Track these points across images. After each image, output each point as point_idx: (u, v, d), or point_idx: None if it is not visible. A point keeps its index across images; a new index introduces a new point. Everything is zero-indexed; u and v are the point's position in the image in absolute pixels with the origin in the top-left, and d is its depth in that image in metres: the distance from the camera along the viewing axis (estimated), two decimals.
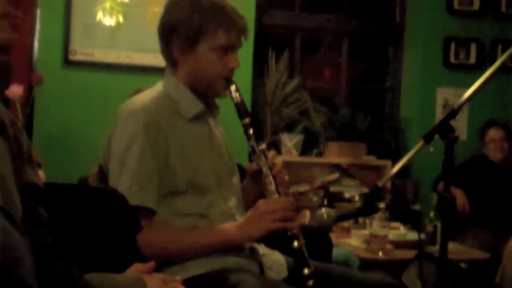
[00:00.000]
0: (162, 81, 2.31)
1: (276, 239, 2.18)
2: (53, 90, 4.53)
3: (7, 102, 4.14)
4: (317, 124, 5.19)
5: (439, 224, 3.68)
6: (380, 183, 2.12)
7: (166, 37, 2.23)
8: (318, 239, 2.82)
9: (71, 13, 4.59)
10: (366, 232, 3.87)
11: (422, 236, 3.79)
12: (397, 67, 5.72)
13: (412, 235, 3.89)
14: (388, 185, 4.67)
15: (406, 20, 5.67)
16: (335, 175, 4.89)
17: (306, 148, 5.18)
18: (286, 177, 2.27)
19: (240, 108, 2.22)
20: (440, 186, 4.44)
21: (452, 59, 5.45)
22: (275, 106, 5.05)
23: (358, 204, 3.38)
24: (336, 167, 5.00)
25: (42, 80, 4.37)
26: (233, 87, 2.23)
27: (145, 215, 2.05)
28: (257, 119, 4.98)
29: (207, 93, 2.26)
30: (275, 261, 2.29)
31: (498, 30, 5.51)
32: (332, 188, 4.73)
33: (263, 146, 2.22)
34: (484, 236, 4.60)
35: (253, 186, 2.36)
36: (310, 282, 2.08)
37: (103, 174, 2.20)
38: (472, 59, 5.47)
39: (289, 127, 5.17)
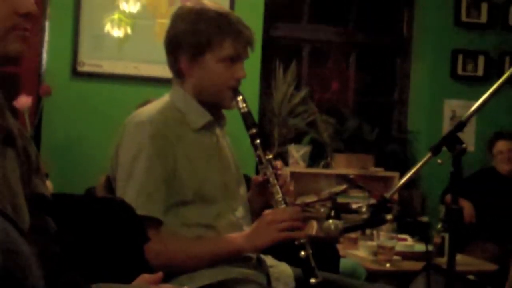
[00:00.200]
0: (169, 92, 2.31)
1: (283, 250, 2.17)
2: (61, 101, 4.55)
3: (15, 113, 4.16)
4: (324, 136, 5.19)
5: (447, 236, 3.67)
6: (387, 195, 2.12)
7: (172, 48, 2.24)
8: (325, 250, 2.82)
9: (79, 25, 4.61)
10: (373, 243, 3.85)
11: (430, 247, 3.77)
12: (404, 79, 5.72)
13: (420, 247, 3.88)
14: (396, 196, 4.66)
15: (414, 32, 5.68)
16: (342, 186, 4.88)
17: (313, 160, 5.17)
18: (291, 188, 2.27)
19: (247, 119, 2.23)
20: (448, 197, 4.42)
21: (459, 71, 5.45)
22: (283, 118, 5.05)
23: (365, 216, 3.37)
24: (344, 178, 4.99)
25: (50, 92, 4.39)
26: (240, 98, 2.23)
27: (152, 225, 2.06)
28: (265, 131, 4.98)
29: (214, 103, 2.27)
30: (283, 272, 2.28)
31: (506, 43, 5.50)
32: (340, 200, 4.71)
33: (270, 156, 2.22)
34: (492, 248, 4.58)
35: (259, 197, 2.36)
36: None
37: (110, 184, 2.20)
38: (480, 71, 5.47)
39: (297, 139, 5.18)
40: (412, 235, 4.11)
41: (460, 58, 5.44)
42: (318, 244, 2.53)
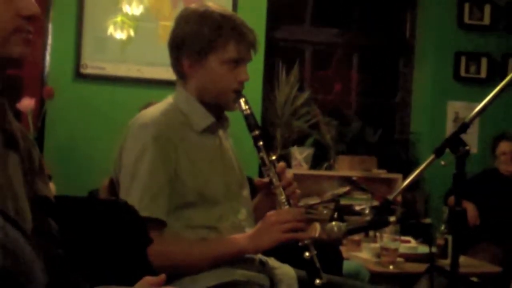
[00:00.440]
0: (172, 94, 2.31)
1: (286, 252, 2.17)
2: (64, 103, 4.56)
3: (18, 115, 4.17)
4: (327, 138, 5.19)
5: (450, 238, 3.66)
6: (390, 197, 2.12)
7: (176, 50, 2.25)
8: (329, 252, 2.82)
9: (82, 27, 4.62)
10: (376, 245, 3.85)
11: (433, 249, 3.77)
12: (407, 81, 5.72)
13: (423, 249, 3.87)
14: (399, 198, 4.66)
15: (417, 34, 5.68)
16: (345, 188, 4.89)
17: (316, 161, 5.17)
18: (298, 191, 2.27)
19: (249, 121, 2.23)
20: (451, 199, 4.42)
21: (462, 73, 5.45)
22: (285, 120, 5.05)
23: (368, 218, 3.37)
24: (347, 180, 4.99)
25: (53, 94, 4.40)
26: (242, 100, 2.23)
27: (156, 227, 2.06)
28: (267, 133, 4.98)
29: (217, 106, 2.27)
30: (286, 274, 2.28)
31: (509, 44, 5.50)
32: (343, 201, 4.72)
33: (273, 157, 2.22)
34: (495, 250, 4.58)
35: (265, 203, 2.35)
36: None
37: (113, 186, 2.20)
38: (483, 73, 5.46)
39: (300, 141, 5.18)
40: (416, 237, 4.10)
41: (463, 60, 5.44)
42: (321, 246, 2.53)
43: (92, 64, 4.65)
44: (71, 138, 4.61)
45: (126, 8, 4.52)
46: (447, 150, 2.01)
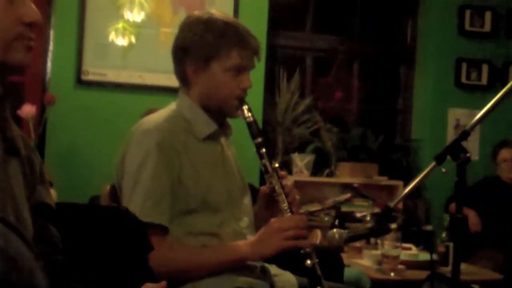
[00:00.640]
0: (176, 101, 2.32)
1: (288, 259, 2.17)
2: (66, 110, 4.56)
3: (20, 121, 4.17)
4: (328, 144, 5.19)
5: (451, 245, 3.66)
6: (391, 204, 2.12)
7: (180, 57, 2.25)
8: (330, 259, 2.81)
9: (83, 34, 4.63)
10: (378, 252, 3.84)
11: (434, 256, 3.76)
12: (408, 88, 5.72)
13: (424, 256, 3.87)
14: (400, 205, 4.65)
15: (418, 41, 5.68)
16: (346, 195, 4.88)
17: (317, 168, 5.17)
18: (297, 197, 2.27)
19: (252, 128, 2.23)
20: (452, 206, 4.40)
21: (463, 79, 5.45)
22: (286, 126, 5.05)
23: (369, 225, 3.37)
24: (348, 187, 4.99)
25: (54, 101, 4.40)
26: (245, 107, 2.24)
27: (158, 233, 2.06)
28: (268, 139, 4.98)
29: (220, 113, 2.27)
30: (287, 281, 2.28)
31: (510, 51, 5.51)
32: (344, 208, 4.71)
33: (275, 165, 2.22)
34: (496, 257, 4.57)
35: (266, 210, 2.35)
36: None
37: (115, 193, 2.20)
38: (484, 80, 5.47)
39: (301, 147, 5.18)
40: (417, 244, 4.10)
41: (464, 66, 5.45)
42: (322, 253, 2.52)
43: (93, 71, 4.65)
44: (72, 145, 4.61)
45: (127, 15, 4.53)
46: (448, 157, 2.01)
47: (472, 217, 4.72)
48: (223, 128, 2.33)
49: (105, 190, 2.35)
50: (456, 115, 5.42)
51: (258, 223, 2.36)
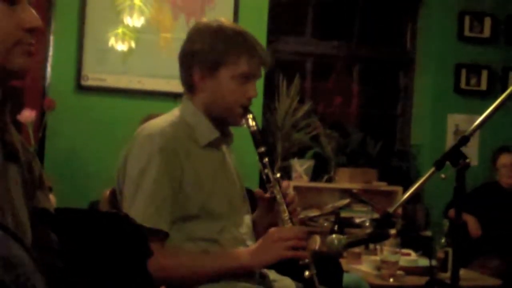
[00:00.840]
0: (179, 106, 2.32)
1: (287, 265, 2.17)
2: (65, 115, 4.56)
3: (19, 126, 4.17)
4: (328, 150, 5.19)
5: (450, 251, 3.66)
6: (391, 209, 2.12)
7: (187, 62, 2.26)
8: (329, 265, 2.81)
9: (83, 39, 4.63)
10: (377, 258, 3.84)
11: (434, 262, 3.76)
12: (408, 93, 5.73)
13: (423, 262, 3.87)
14: (399, 211, 4.65)
15: (417, 46, 5.69)
16: (345, 201, 4.88)
17: (316, 174, 5.17)
18: (298, 209, 2.28)
19: (256, 137, 2.24)
20: (452, 212, 4.41)
21: (463, 85, 5.46)
22: (286, 131, 5.05)
23: (369, 230, 3.37)
24: (347, 192, 4.99)
25: (54, 106, 4.40)
26: (250, 116, 2.25)
27: (158, 238, 2.06)
28: (268, 144, 4.98)
29: (223, 120, 2.28)
30: (286, 287, 2.28)
31: (509, 57, 5.52)
32: (343, 214, 4.71)
33: (278, 174, 2.23)
34: (496, 263, 4.57)
35: (265, 216, 2.36)
36: None
37: (115, 198, 2.20)
38: (483, 85, 5.48)
39: (300, 153, 5.18)
40: (416, 250, 4.10)
41: (464, 72, 5.45)
42: (321, 259, 2.52)
43: (93, 76, 4.66)
44: (71, 150, 4.61)
45: (127, 20, 4.54)
46: (448, 163, 2.01)
47: (472, 222, 4.73)
48: (225, 136, 2.33)
49: (104, 195, 2.35)
50: (456, 121, 5.42)
51: (258, 229, 2.36)
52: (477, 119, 2.05)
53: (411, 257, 3.97)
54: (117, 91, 4.69)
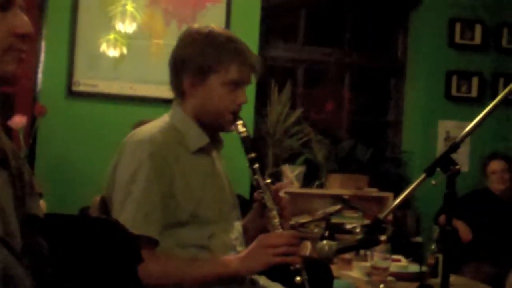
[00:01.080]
0: (169, 112, 2.32)
1: (277, 271, 2.17)
2: (56, 120, 4.55)
3: (10, 132, 4.16)
4: (319, 156, 5.20)
5: (440, 257, 3.66)
6: (381, 216, 2.13)
7: (177, 68, 2.26)
8: (319, 271, 2.81)
9: (75, 45, 4.63)
10: (367, 264, 3.85)
11: (424, 268, 3.77)
12: (399, 100, 5.74)
13: (414, 267, 3.87)
14: (390, 217, 4.66)
15: (408, 53, 5.71)
16: (336, 207, 4.88)
17: (307, 180, 5.18)
18: (289, 215, 2.28)
19: (246, 143, 2.24)
20: (442, 218, 4.43)
21: (454, 92, 5.48)
22: (277, 138, 5.06)
23: (359, 236, 3.37)
24: (338, 198, 4.99)
25: (45, 112, 4.39)
26: (240, 123, 2.25)
27: (148, 245, 2.05)
28: (259, 151, 4.98)
29: (213, 126, 2.28)
30: None
31: (499, 64, 5.54)
32: (334, 220, 4.71)
33: (268, 180, 2.23)
34: (486, 269, 4.58)
35: (256, 221, 2.35)
36: None
37: (105, 204, 2.20)
38: (474, 92, 5.50)
39: (291, 159, 5.18)
40: (406, 256, 4.10)
41: (454, 79, 5.47)
42: (312, 265, 2.52)
43: (84, 82, 4.65)
44: (62, 156, 4.60)
45: (119, 26, 4.54)
46: (438, 169, 2.02)
47: (462, 227, 4.74)
48: (215, 142, 2.33)
49: (94, 201, 2.35)
50: (446, 127, 5.44)
51: (250, 233, 2.36)
52: (467, 125, 2.06)
53: (401, 263, 3.97)
54: (108, 97, 4.69)
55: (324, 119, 5.70)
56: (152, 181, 2.09)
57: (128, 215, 2.05)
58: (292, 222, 4.63)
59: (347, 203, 4.83)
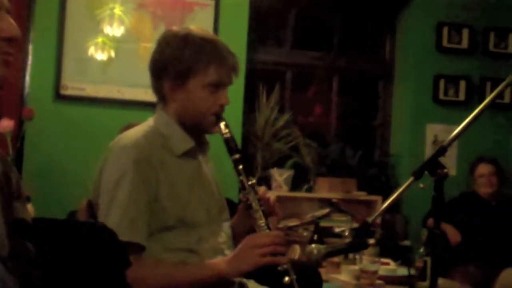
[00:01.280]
0: (153, 116, 2.31)
1: (266, 274, 2.17)
2: (44, 124, 4.54)
3: None
4: (307, 160, 5.20)
5: (429, 260, 3.67)
6: (370, 219, 2.13)
7: (157, 72, 2.24)
8: (308, 275, 2.81)
9: (63, 48, 4.61)
10: (356, 267, 3.85)
11: (412, 271, 3.77)
12: (387, 104, 5.76)
13: (402, 271, 3.88)
14: (378, 220, 4.67)
15: (396, 57, 5.73)
16: (325, 210, 4.88)
17: (296, 183, 5.18)
18: (279, 211, 2.27)
19: (230, 144, 2.23)
20: (430, 221, 4.44)
21: (441, 95, 5.49)
22: (266, 141, 5.06)
23: (348, 240, 3.37)
24: (326, 202, 5.00)
25: (33, 115, 4.36)
26: (223, 124, 2.23)
27: (134, 251, 2.04)
28: (248, 154, 4.98)
29: (197, 129, 2.27)
30: None
31: (487, 68, 5.56)
32: (322, 223, 4.71)
33: (253, 181, 2.22)
34: (474, 272, 4.60)
35: (244, 221, 2.35)
36: None
37: (92, 208, 2.19)
38: (462, 96, 5.52)
39: (280, 162, 5.18)
40: (395, 259, 4.11)
41: (442, 82, 5.49)
42: (301, 268, 2.52)
43: (72, 85, 4.64)
44: (50, 160, 4.58)
45: (107, 29, 4.53)
46: (426, 172, 2.02)
47: (451, 231, 4.75)
48: (200, 145, 2.32)
49: (82, 205, 2.34)
50: (434, 131, 5.46)
51: (237, 233, 2.36)
52: (455, 129, 2.07)
53: (390, 267, 3.98)
54: (96, 101, 4.68)
55: (312, 122, 5.71)
56: (136, 187, 2.08)
57: (113, 222, 2.03)
58: (280, 225, 4.64)
59: (336, 207, 4.84)
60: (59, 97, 4.62)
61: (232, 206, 2.46)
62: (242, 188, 2.22)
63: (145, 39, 4.73)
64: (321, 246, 2.10)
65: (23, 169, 4.45)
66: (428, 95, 5.48)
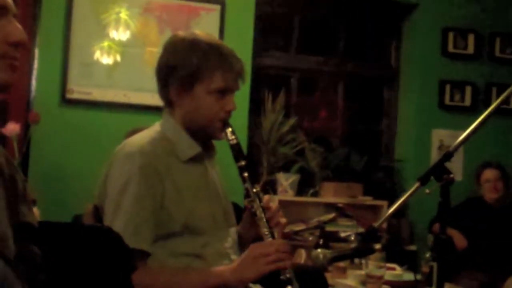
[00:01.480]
0: (159, 121, 2.30)
1: (272, 280, 2.16)
2: (50, 128, 4.54)
3: (3, 139, 4.15)
4: (313, 164, 5.20)
5: (435, 265, 3.66)
6: (376, 224, 2.12)
7: (164, 78, 2.23)
8: (314, 279, 2.81)
9: (69, 52, 4.62)
10: (362, 272, 3.84)
11: (418, 276, 3.77)
12: (392, 109, 5.75)
13: (408, 276, 3.87)
14: (384, 225, 4.66)
15: (402, 62, 5.72)
16: (331, 215, 4.88)
17: (302, 188, 5.17)
18: (283, 220, 2.26)
19: (236, 151, 2.22)
20: (436, 227, 4.43)
21: (447, 101, 5.49)
22: (271, 146, 5.06)
23: (354, 245, 3.36)
24: (332, 207, 4.99)
25: (39, 119, 4.37)
26: (229, 130, 2.22)
27: (140, 257, 2.04)
28: (253, 159, 4.99)
29: (203, 135, 2.26)
30: None
31: (493, 73, 5.56)
32: (328, 228, 4.71)
33: (257, 188, 2.20)
34: (480, 277, 4.59)
35: (250, 228, 2.34)
36: None
37: (97, 212, 2.19)
38: (467, 101, 5.51)
39: (285, 167, 5.18)
40: (401, 264, 4.10)
41: (448, 88, 5.49)
42: (307, 273, 2.52)
43: (78, 89, 4.64)
44: (56, 163, 4.59)
45: (113, 34, 4.54)
46: (432, 178, 2.02)
47: (457, 236, 4.74)
48: (207, 150, 2.31)
49: (87, 209, 2.34)
50: (440, 136, 5.45)
51: (243, 240, 2.35)
52: (461, 134, 2.06)
53: (396, 272, 3.97)
54: (102, 105, 4.68)
55: (318, 127, 5.71)
56: (142, 194, 2.07)
57: (118, 228, 2.01)
58: (286, 230, 4.63)
59: (342, 211, 4.83)
60: (65, 101, 4.63)
61: (238, 211, 2.45)
62: (247, 195, 2.21)
63: (151, 43, 4.73)
64: (327, 251, 2.10)
65: (29, 173, 4.45)
66: (433, 100, 5.48)
